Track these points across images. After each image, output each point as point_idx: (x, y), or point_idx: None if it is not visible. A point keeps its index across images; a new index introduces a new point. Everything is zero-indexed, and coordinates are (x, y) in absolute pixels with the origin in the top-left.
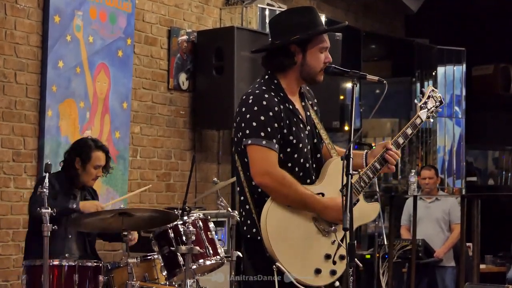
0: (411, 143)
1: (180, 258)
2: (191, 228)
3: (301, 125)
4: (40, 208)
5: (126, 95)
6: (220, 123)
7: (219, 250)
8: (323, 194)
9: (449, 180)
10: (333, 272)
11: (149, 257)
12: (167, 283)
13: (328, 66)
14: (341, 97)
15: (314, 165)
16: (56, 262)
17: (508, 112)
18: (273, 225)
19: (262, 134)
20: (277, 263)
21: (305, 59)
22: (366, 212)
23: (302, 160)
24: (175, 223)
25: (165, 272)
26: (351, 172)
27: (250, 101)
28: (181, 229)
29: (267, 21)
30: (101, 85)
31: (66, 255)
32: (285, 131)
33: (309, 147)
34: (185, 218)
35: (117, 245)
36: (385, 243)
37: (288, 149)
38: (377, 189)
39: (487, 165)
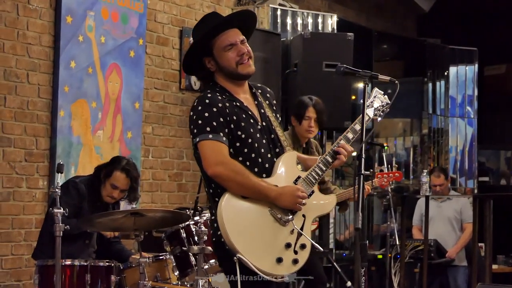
0: (423, 143)
1: (192, 258)
2: (203, 228)
3: (252, 120)
4: (52, 208)
5: (138, 95)
6: None
7: None
8: (276, 186)
9: (461, 180)
10: (295, 261)
11: (161, 257)
12: (179, 283)
13: (340, 66)
14: (353, 97)
15: (274, 158)
16: (68, 262)
17: None
18: (229, 216)
19: (208, 129)
20: (238, 255)
21: (218, 64)
22: (322, 203)
23: (253, 155)
24: (187, 223)
25: (177, 272)
26: (362, 172)
27: (195, 103)
28: (193, 229)
29: (279, 21)
30: (113, 85)
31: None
32: (232, 126)
33: (264, 141)
34: (197, 218)
35: (129, 245)
36: (397, 243)
37: (238, 144)
38: (389, 189)
39: (499, 165)
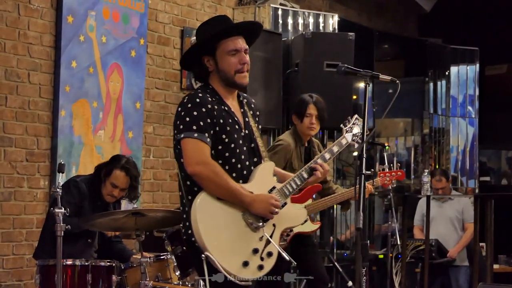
0: (424, 143)
1: None
2: None
3: (237, 126)
4: (54, 207)
5: (139, 95)
6: None
7: None
8: (252, 193)
9: (462, 180)
10: (260, 267)
11: (162, 257)
12: (180, 283)
13: (341, 65)
14: (354, 97)
15: (252, 167)
16: (69, 262)
17: None
18: (203, 215)
19: (194, 127)
20: (206, 253)
21: (217, 65)
22: (294, 215)
23: (233, 160)
24: None
25: (178, 271)
26: (363, 172)
27: (185, 100)
28: None
29: (280, 21)
30: (114, 85)
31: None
32: (217, 128)
33: (244, 148)
34: None
35: (130, 245)
36: (398, 243)
37: (220, 147)
38: (390, 189)
39: (500, 164)
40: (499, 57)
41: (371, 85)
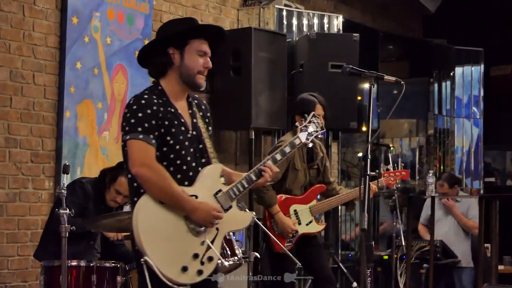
0: (429, 144)
1: None
2: None
3: (183, 128)
4: (58, 208)
5: None
6: (238, 124)
7: (236, 251)
8: (196, 197)
9: (467, 181)
10: (200, 272)
11: None
12: None
13: (345, 66)
14: (359, 98)
15: (199, 168)
16: (74, 263)
17: None
18: (144, 218)
19: (139, 129)
20: (145, 257)
21: (183, 60)
22: (238, 219)
23: (179, 162)
24: None
25: None
26: (368, 173)
27: (131, 102)
28: None
29: (284, 22)
30: (119, 86)
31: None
32: (162, 130)
33: (191, 150)
34: None
35: None
36: (403, 244)
37: (165, 148)
38: (395, 190)
39: (505, 165)
40: (504, 57)
41: (375, 86)
